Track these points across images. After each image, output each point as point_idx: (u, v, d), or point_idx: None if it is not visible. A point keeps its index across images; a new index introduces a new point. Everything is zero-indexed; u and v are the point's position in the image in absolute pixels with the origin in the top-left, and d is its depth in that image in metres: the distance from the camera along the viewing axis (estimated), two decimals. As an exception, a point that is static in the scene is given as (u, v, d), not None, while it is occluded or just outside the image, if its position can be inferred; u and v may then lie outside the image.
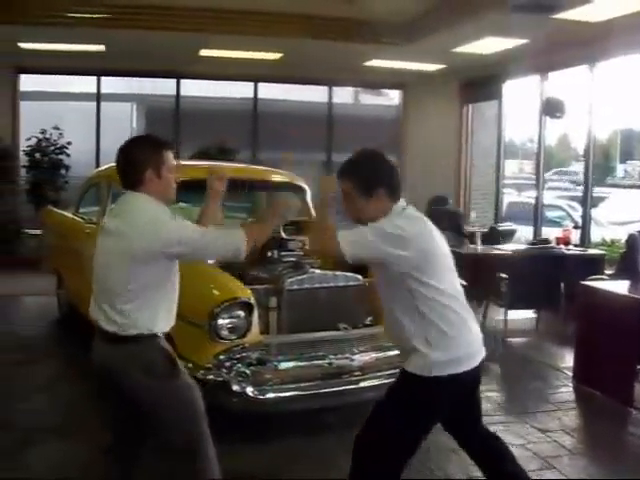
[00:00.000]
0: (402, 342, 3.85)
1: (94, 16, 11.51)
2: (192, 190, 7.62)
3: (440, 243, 3.84)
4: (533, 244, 11.12)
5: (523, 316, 10.13)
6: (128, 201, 3.90)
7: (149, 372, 3.74)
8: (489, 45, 12.05)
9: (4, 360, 7.94)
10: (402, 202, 3.86)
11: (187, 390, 3.86)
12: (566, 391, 7.54)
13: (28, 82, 15.28)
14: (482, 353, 3.93)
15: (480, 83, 15.43)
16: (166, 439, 3.87)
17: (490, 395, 7.23)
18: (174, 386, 3.81)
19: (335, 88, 16.50)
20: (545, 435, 6.22)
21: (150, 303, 3.76)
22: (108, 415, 4.18)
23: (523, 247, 10.73)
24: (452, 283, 3.87)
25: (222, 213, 4.41)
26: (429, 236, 3.78)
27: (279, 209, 4.24)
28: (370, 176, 3.83)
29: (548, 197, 15.59)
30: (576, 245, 11.31)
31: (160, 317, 3.82)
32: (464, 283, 6.33)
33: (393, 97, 17.28)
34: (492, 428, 6.20)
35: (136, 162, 3.84)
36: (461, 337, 3.81)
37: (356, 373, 5.99)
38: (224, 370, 5.47)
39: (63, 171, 14.41)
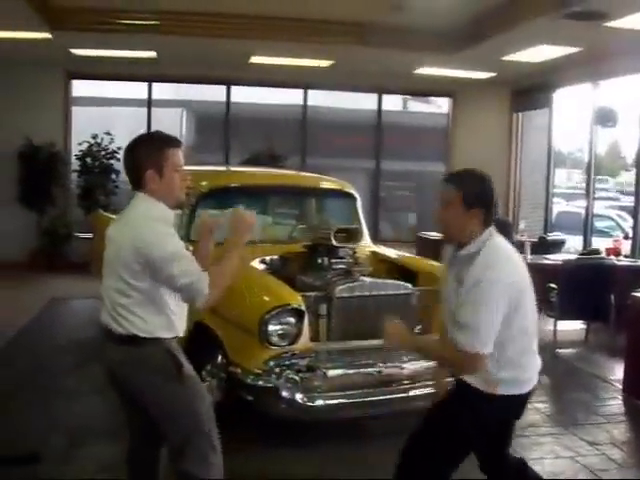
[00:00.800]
0: None
1: (145, 23, 11.62)
2: (243, 196, 7.75)
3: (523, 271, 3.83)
4: (583, 254, 11.04)
5: (573, 327, 10.04)
6: (131, 203, 3.81)
7: (152, 373, 3.70)
8: (540, 53, 11.98)
9: (57, 362, 8.05)
10: (491, 229, 3.84)
11: (192, 397, 3.79)
12: (615, 404, 7.47)
13: (80, 88, 15.43)
14: (536, 379, 3.94)
15: (530, 91, 15.35)
16: (169, 439, 3.85)
17: (539, 406, 7.19)
18: (177, 390, 3.74)
19: (384, 95, 16.44)
20: (594, 448, 6.16)
21: (155, 308, 3.69)
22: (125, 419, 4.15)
23: (573, 257, 10.63)
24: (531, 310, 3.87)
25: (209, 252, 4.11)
26: (517, 270, 3.77)
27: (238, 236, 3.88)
28: (477, 192, 3.82)
29: (598, 207, 15.46)
30: (626, 256, 11.23)
31: (166, 322, 3.75)
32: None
33: (442, 105, 17.21)
34: (540, 440, 6.24)
35: (137, 161, 3.74)
36: (529, 361, 3.87)
37: (405, 382, 5.97)
38: (274, 376, 5.48)
39: (114, 176, 14.51)
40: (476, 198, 3.79)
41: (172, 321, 3.77)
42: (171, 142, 3.81)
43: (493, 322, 3.60)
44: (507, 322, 3.66)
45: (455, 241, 3.89)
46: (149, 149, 3.74)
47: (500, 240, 3.82)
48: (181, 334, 3.87)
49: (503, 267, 3.69)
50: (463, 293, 3.66)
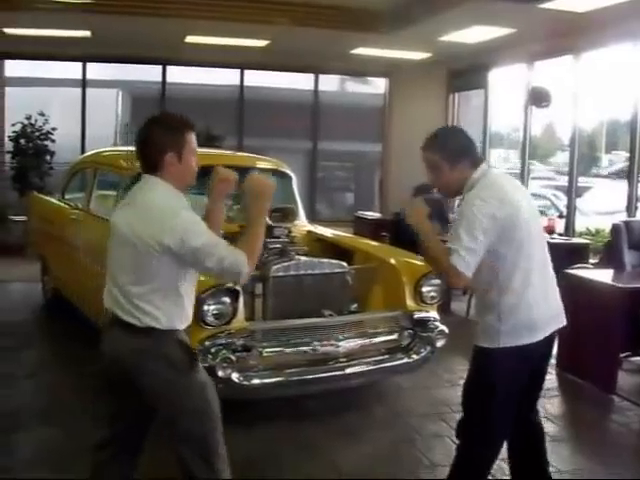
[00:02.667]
0: None
1: (80, 1, 11.43)
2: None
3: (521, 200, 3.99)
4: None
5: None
6: (143, 188, 3.70)
7: (168, 365, 3.61)
8: (476, 34, 12.06)
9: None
10: (482, 167, 4.03)
11: (204, 387, 3.73)
12: (549, 379, 7.53)
13: (13, 68, 15.19)
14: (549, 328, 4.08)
15: (466, 72, 15.46)
16: (178, 437, 3.73)
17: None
18: (192, 382, 3.68)
19: (321, 76, 16.46)
20: (528, 422, 6.25)
21: (171, 298, 3.61)
22: (107, 409, 3.96)
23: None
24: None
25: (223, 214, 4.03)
26: (506, 204, 3.88)
27: (262, 200, 3.77)
28: (454, 147, 4.05)
29: (533, 186, 15.64)
30: (561, 234, 11.40)
31: (181, 312, 3.69)
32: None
33: (379, 85, 17.24)
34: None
35: (156, 143, 3.64)
36: (532, 306, 3.96)
37: (341, 359, 6.02)
38: (209, 356, 5.46)
39: (48, 157, 14.32)
40: (456, 152, 4.02)
41: (187, 311, 3.73)
42: (190, 125, 3.75)
43: (475, 247, 3.75)
44: (500, 259, 3.83)
45: (457, 195, 4.17)
46: (169, 131, 3.67)
47: (493, 177, 4.01)
48: (186, 325, 3.79)
49: (491, 198, 3.84)
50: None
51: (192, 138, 3.72)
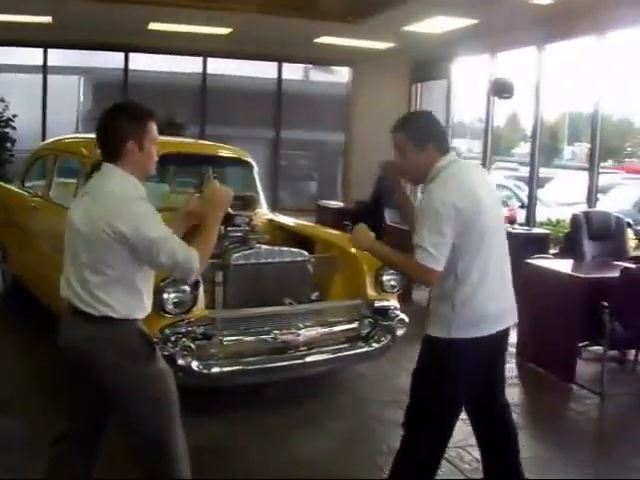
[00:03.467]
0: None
1: (40, -15, 11.35)
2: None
3: (484, 195, 3.97)
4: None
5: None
6: (101, 176, 3.67)
7: (126, 355, 3.58)
8: (439, 24, 12.07)
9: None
10: (450, 156, 4.03)
11: (163, 377, 3.71)
12: (509, 367, 7.61)
13: (-29, 53, 15.01)
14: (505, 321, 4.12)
15: (429, 62, 15.49)
16: (135, 427, 3.71)
17: (434, 371, 7.31)
18: (150, 371, 3.65)
19: (285, 64, 16.41)
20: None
21: (128, 288, 3.59)
22: (65, 401, 3.93)
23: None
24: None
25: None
26: (467, 196, 3.87)
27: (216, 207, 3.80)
28: (421, 130, 4.04)
29: (496, 177, 15.74)
30: (521, 224, 11.47)
31: (139, 301, 3.67)
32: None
33: (343, 75, 17.25)
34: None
35: (117, 131, 3.61)
36: (486, 299, 3.96)
37: (301, 348, 6.04)
38: (169, 344, 5.44)
39: (9, 144, 14.18)
40: (423, 135, 4.01)
41: (145, 301, 3.70)
42: (152, 114, 3.74)
43: (441, 241, 3.76)
44: (459, 250, 3.82)
45: (422, 182, 4.07)
46: (131, 119, 3.65)
47: (457, 167, 4.00)
48: (145, 315, 3.77)
49: (452, 189, 3.84)
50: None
51: (153, 127, 3.70)
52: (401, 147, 4.04)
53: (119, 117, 3.67)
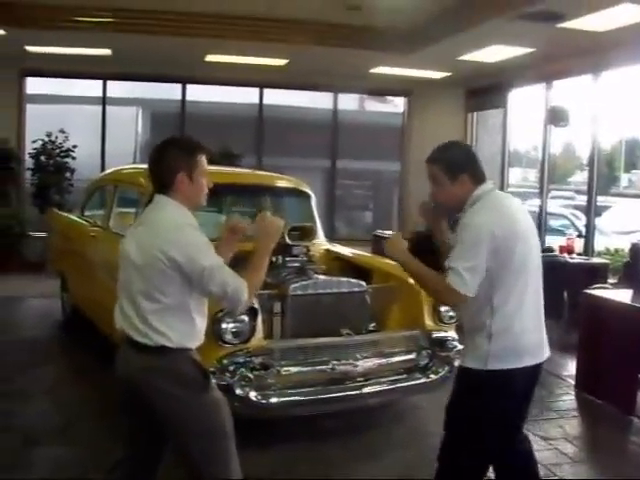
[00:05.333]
0: None
1: (100, 20, 11.54)
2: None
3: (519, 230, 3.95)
4: (537, 252, 11.11)
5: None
6: (154, 207, 3.77)
7: (181, 384, 3.62)
8: (495, 53, 12.07)
9: (8, 362, 7.98)
10: (486, 185, 4.02)
11: (217, 407, 3.74)
12: (568, 399, 7.55)
13: (34, 85, 15.28)
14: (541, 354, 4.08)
15: (485, 91, 15.46)
16: (190, 454, 3.71)
17: (492, 402, 7.25)
18: (205, 401, 3.68)
19: (340, 95, 16.49)
20: (547, 443, 6.23)
21: (182, 316, 3.65)
22: (122, 429, 3.99)
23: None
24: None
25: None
26: (505, 224, 3.88)
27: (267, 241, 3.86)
28: (455, 160, 4.05)
29: (552, 206, 15.59)
30: (579, 254, 11.33)
31: (192, 330, 3.71)
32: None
33: (398, 104, 17.27)
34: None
35: (168, 164, 3.72)
36: (523, 329, 3.95)
37: (359, 379, 6.00)
38: (227, 374, 5.47)
39: (68, 174, 14.40)
40: (456, 166, 4.00)
41: (198, 330, 3.74)
42: (202, 147, 3.85)
43: (475, 267, 3.74)
44: (496, 279, 3.80)
45: (456, 211, 4.06)
46: (182, 152, 3.77)
47: (495, 196, 4.01)
48: (198, 344, 3.81)
49: (489, 216, 3.84)
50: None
51: (203, 160, 3.81)
52: (435, 178, 4.05)
53: (170, 150, 3.78)
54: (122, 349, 3.75)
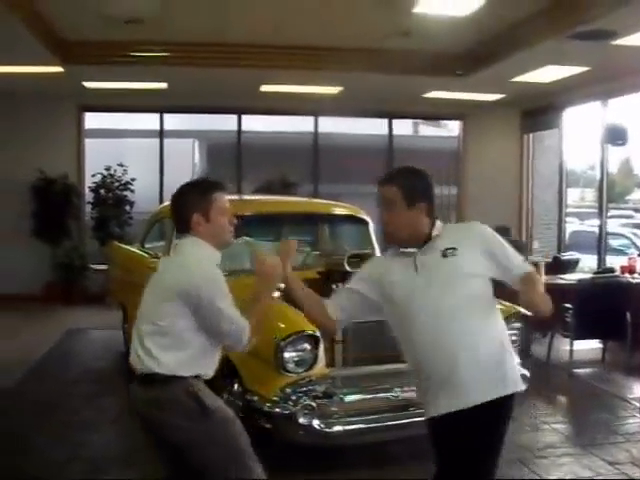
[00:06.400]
0: None
1: (156, 54, 11.71)
2: (256, 224, 7.79)
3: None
4: (598, 273, 11.02)
5: (589, 346, 9.97)
6: (178, 245, 3.89)
7: (179, 414, 3.65)
8: (548, 73, 12.01)
9: (75, 393, 8.09)
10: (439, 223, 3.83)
11: (223, 428, 3.72)
12: (634, 422, 7.42)
13: (92, 120, 15.54)
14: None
15: (540, 112, 15.40)
16: (210, 476, 3.75)
17: (557, 427, 7.19)
18: (207, 427, 3.67)
19: (395, 120, 16.50)
20: (614, 467, 6.12)
21: (179, 344, 3.67)
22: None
23: (588, 276, 10.61)
24: None
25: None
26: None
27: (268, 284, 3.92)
28: (416, 187, 3.81)
29: (611, 225, 15.45)
30: (641, 274, 11.20)
31: (186, 357, 3.69)
32: (528, 313, 6.36)
33: (452, 128, 17.25)
34: (559, 460, 6.21)
35: (183, 206, 3.80)
36: None
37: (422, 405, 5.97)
38: (290, 403, 5.49)
39: (127, 207, 14.62)
40: (417, 193, 3.78)
41: (195, 359, 3.73)
42: (216, 186, 3.88)
43: None
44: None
45: (403, 241, 3.82)
46: (195, 193, 3.82)
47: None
48: (211, 373, 3.84)
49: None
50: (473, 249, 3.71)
51: (221, 198, 3.84)
52: (390, 202, 3.78)
53: (183, 192, 3.87)
54: (132, 384, 3.83)
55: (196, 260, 3.69)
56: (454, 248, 3.66)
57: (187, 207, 3.76)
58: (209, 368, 3.82)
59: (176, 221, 3.89)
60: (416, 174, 3.90)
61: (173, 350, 3.66)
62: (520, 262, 3.75)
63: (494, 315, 3.76)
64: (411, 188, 3.77)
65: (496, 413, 3.65)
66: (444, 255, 3.66)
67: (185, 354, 3.68)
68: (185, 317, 3.62)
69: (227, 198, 3.89)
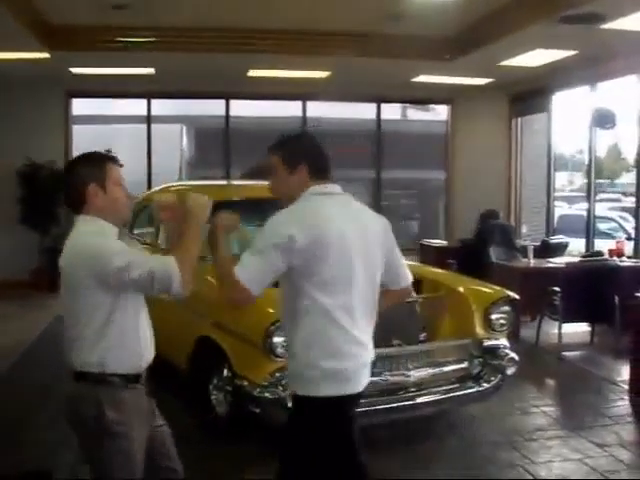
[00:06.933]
0: None
1: (143, 40, 11.68)
2: (243, 210, 7.76)
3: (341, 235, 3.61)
4: (586, 257, 11.04)
5: (578, 330, 10.00)
6: (72, 228, 3.57)
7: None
8: (536, 57, 12.01)
9: (64, 376, 8.07)
10: (320, 187, 3.74)
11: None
12: (622, 405, 7.45)
13: (79, 106, 15.48)
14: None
15: (529, 96, 15.40)
16: None
17: (546, 409, 7.23)
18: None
19: (383, 105, 16.48)
20: (602, 449, 6.15)
21: (92, 337, 3.42)
22: None
23: (576, 260, 10.64)
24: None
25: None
26: (308, 228, 3.55)
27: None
28: (294, 150, 3.81)
29: (600, 209, 15.47)
30: (629, 257, 11.22)
31: (112, 354, 3.43)
32: (517, 297, 6.37)
33: (440, 112, 17.23)
34: (548, 443, 6.24)
35: (77, 177, 3.54)
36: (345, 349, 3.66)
37: (411, 389, 5.99)
38: (280, 388, 5.48)
39: (115, 193, 14.54)
40: (296, 155, 3.76)
41: (115, 353, 3.45)
42: (109, 157, 3.71)
43: (262, 267, 3.50)
44: (297, 289, 3.57)
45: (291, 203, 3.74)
46: (89, 165, 3.59)
47: (315, 200, 3.70)
48: (143, 365, 3.60)
49: (288, 217, 3.61)
50: None
51: (116, 170, 3.62)
52: (273, 168, 3.78)
53: (76, 165, 3.66)
54: None
55: (82, 237, 3.46)
56: None
57: (82, 178, 3.51)
58: (129, 361, 3.54)
59: (69, 197, 3.59)
60: (295, 137, 3.99)
61: (86, 344, 3.52)
62: None
63: None
64: (288, 151, 3.78)
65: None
66: None
67: (103, 347, 3.47)
68: (92, 306, 3.41)
69: (120, 171, 3.66)
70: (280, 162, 3.75)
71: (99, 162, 3.60)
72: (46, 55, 11.74)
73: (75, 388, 3.54)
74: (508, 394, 6.99)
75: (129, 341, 3.48)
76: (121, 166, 3.70)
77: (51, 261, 13.78)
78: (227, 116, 15.80)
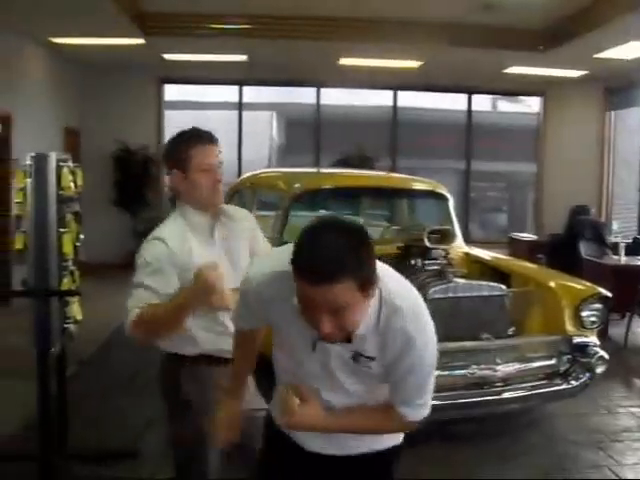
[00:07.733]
0: None
1: (236, 27, 11.79)
2: (335, 198, 7.80)
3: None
4: (679, 254, 10.83)
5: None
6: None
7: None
8: (633, 50, 11.77)
9: (154, 362, 8.18)
10: None
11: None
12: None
13: (172, 92, 15.76)
14: None
15: (623, 89, 15.12)
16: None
17: (634, 410, 7.09)
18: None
19: (474, 96, 16.38)
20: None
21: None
22: None
23: (668, 258, 10.44)
24: None
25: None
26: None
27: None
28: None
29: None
30: None
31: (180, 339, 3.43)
32: (609, 294, 6.27)
33: (532, 104, 17.03)
34: (635, 445, 6.13)
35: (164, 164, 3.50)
36: None
37: (498, 384, 5.93)
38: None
39: (206, 178, 14.70)
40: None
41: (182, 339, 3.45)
42: (199, 139, 3.51)
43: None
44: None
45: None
46: (172, 146, 3.52)
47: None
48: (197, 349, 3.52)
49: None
50: None
51: (200, 153, 3.48)
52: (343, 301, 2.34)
53: (168, 146, 3.59)
54: None
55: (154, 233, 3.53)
56: None
57: (166, 161, 3.54)
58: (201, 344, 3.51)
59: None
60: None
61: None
62: None
63: None
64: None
65: None
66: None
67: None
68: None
69: (212, 151, 3.59)
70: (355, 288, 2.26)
71: (184, 144, 3.48)
72: (141, 41, 11.92)
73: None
74: (592, 393, 6.88)
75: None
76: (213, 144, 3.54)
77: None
78: (318, 104, 15.87)
